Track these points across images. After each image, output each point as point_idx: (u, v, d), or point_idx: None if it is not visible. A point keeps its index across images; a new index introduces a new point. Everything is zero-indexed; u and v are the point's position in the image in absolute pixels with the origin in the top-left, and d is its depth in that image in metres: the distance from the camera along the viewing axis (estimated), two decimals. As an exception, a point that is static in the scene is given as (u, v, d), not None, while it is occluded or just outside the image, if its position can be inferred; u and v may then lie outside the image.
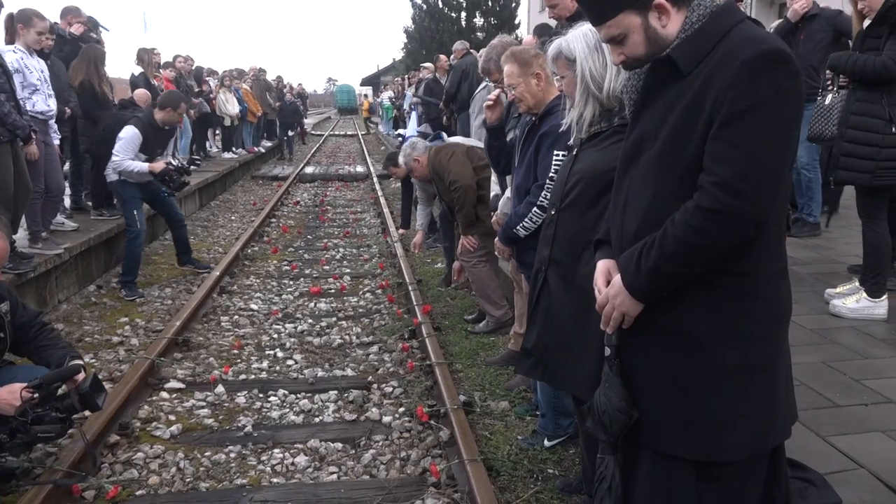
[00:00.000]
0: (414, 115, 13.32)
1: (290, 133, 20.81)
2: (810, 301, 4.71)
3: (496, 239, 3.83)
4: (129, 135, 6.47)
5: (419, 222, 7.03)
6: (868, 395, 3.38)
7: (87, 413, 3.59)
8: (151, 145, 6.66)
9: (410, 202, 8.10)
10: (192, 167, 7.04)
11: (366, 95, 39.27)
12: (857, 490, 2.59)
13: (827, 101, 4.56)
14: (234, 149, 16.14)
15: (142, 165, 6.54)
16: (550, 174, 3.23)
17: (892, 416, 3.17)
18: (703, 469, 1.87)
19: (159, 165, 6.61)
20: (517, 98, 3.49)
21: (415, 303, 6.08)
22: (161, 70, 11.85)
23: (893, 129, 4.15)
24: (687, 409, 1.84)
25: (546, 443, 3.70)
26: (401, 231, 8.73)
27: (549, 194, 3.27)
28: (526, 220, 3.47)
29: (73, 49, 7.63)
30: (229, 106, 15.32)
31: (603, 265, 2.02)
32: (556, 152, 3.21)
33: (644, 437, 1.91)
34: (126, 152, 6.48)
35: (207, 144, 15.45)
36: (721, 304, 1.79)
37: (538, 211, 3.39)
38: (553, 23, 4.65)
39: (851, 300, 4.50)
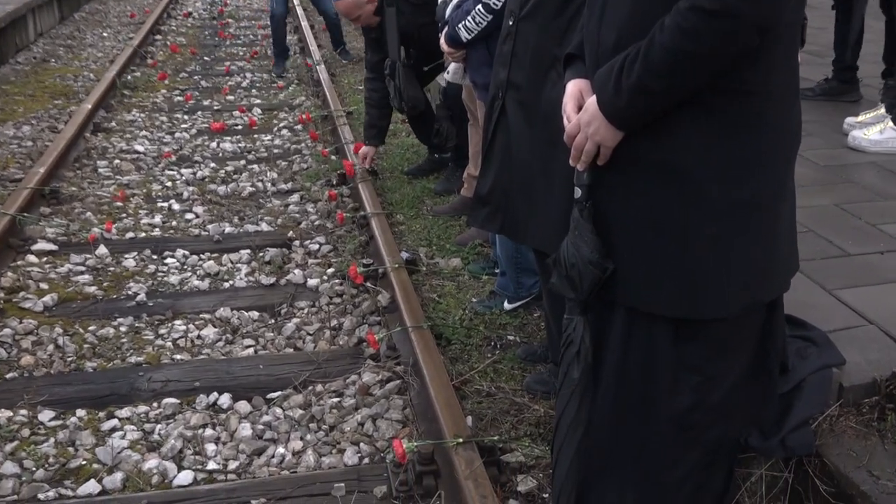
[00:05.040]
0: None
1: None
2: (825, 132, 4.80)
3: (441, 39, 3.79)
4: None
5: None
6: (885, 242, 3.51)
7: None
8: None
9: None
10: None
11: None
12: (863, 349, 2.74)
13: None
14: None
15: None
16: None
17: (910, 266, 3.33)
18: (686, 327, 1.97)
19: None
20: None
21: (344, 140, 6.02)
22: None
23: None
24: (670, 258, 1.90)
25: (506, 305, 3.82)
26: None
27: None
28: (468, 18, 3.42)
29: None
30: None
31: (574, 86, 2.01)
32: None
33: (619, 294, 1.98)
34: None
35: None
36: (717, 132, 1.82)
37: (483, 10, 3.35)
38: None
39: (874, 130, 4.58)
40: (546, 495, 2.76)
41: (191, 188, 5.54)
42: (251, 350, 3.70)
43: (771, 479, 2.47)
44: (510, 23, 2.68)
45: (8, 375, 3.46)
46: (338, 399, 3.32)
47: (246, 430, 3.13)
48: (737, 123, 1.82)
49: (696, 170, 1.84)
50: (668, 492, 2.16)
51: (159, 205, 5.26)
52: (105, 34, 10.88)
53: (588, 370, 2.06)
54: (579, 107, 1.96)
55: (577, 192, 1.98)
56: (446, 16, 3.70)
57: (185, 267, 4.47)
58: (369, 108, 5.35)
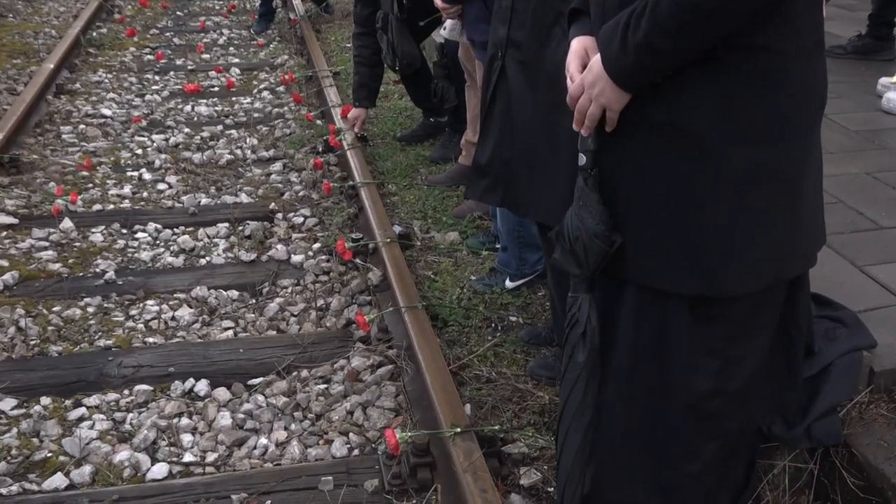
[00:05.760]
0: None
1: None
2: (857, 94, 4.80)
3: None
4: None
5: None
6: (922, 214, 3.52)
7: None
8: None
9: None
10: None
11: None
12: (896, 330, 2.76)
13: None
14: None
15: None
16: None
17: (949, 239, 3.33)
18: (702, 307, 1.98)
19: None
20: None
21: (330, 103, 6.01)
22: None
23: None
24: (683, 231, 1.91)
25: (508, 283, 3.83)
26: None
27: None
28: None
29: None
30: None
31: (578, 44, 2.01)
32: None
33: (627, 270, 1.99)
34: None
35: None
36: (732, 93, 1.82)
37: None
38: None
39: (911, 91, 4.58)
40: (551, 489, 2.78)
41: (163, 156, 5.52)
42: (230, 332, 3.71)
43: (795, 472, 2.49)
44: (510, -27, 2.67)
45: (-35, 361, 3.48)
46: (325, 386, 3.33)
47: (225, 419, 3.14)
48: (753, 83, 1.82)
49: (709, 133, 1.84)
50: (685, 485, 2.17)
51: (129, 174, 5.25)
52: (68, -14, 10.82)
53: (594, 352, 2.07)
54: (584, 66, 1.96)
55: (582, 159, 1.99)
56: None
57: (158, 242, 4.47)
58: (359, 66, 5.32)
